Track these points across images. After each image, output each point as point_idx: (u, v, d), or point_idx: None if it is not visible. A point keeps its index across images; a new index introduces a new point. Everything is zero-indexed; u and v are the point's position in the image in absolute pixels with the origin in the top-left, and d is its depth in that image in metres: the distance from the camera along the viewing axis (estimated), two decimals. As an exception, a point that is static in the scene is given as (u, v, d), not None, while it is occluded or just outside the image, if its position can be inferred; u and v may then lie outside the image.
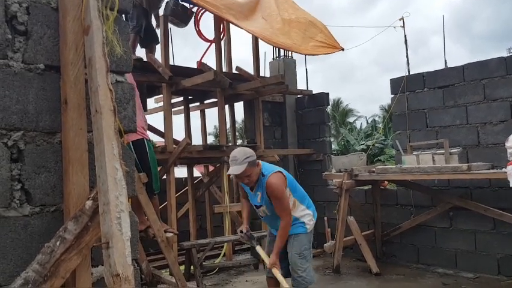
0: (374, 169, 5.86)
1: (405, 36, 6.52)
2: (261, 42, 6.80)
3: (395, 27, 6.67)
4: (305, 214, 3.65)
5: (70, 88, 1.82)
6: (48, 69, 1.88)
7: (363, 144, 22.21)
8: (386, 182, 6.72)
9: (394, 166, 5.93)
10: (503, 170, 4.62)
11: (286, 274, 3.65)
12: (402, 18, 6.40)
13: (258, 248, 3.75)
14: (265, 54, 8.43)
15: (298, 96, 7.81)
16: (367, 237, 6.07)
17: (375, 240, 6.33)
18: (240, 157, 3.36)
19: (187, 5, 6.20)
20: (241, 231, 3.76)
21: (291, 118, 7.82)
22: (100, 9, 1.83)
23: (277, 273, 3.48)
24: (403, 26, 6.45)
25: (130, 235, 1.67)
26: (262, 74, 7.14)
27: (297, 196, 3.64)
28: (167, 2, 6.11)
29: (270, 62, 8.03)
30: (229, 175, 3.49)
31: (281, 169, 3.60)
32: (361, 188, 6.64)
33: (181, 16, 6.15)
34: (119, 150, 1.76)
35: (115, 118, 1.77)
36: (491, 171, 4.93)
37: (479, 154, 5.55)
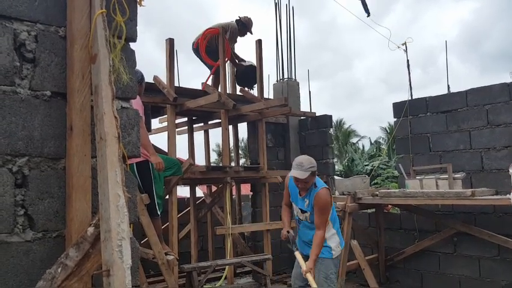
0: (377, 192, 5.83)
1: (407, 61, 6.58)
2: (265, 63, 6.88)
3: (399, 47, 6.74)
4: (333, 237, 3.93)
5: (76, 115, 1.85)
6: (54, 96, 1.91)
7: (367, 165, 22.20)
8: (390, 206, 6.67)
9: (398, 190, 5.90)
10: (507, 196, 4.59)
11: None
12: (405, 43, 6.47)
13: (297, 253, 3.88)
14: (269, 76, 8.55)
15: (302, 118, 7.84)
16: (370, 262, 6.00)
17: (378, 264, 6.25)
18: (306, 164, 3.74)
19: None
20: (288, 232, 3.98)
21: (294, 139, 7.83)
22: (107, 38, 1.87)
23: (312, 279, 3.64)
24: (406, 50, 6.51)
25: (130, 263, 1.67)
26: (265, 95, 7.19)
27: (331, 218, 3.93)
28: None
29: (273, 84, 8.10)
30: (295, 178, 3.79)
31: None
32: (364, 211, 6.60)
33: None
34: (122, 177, 1.77)
35: (119, 145, 1.79)
36: (495, 197, 4.89)
37: (483, 179, 5.53)
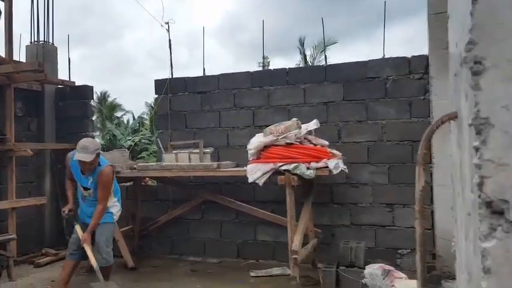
0: (135, 166, 6.01)
1: (169, 40, 6.91)
2: (16, 20, 6.08)
3: (162, 25, 6.96)
4: (114, 205, 4.46)
5: None
6: None
7: (130, 139, 22.16)
8: (147, 179, 6.96)
9: (155, 163, 6.21)
10: (245, 168, 5.43)
11: (82, 258, 4.39)
12: (167, 23, 6.76)
13: (77, 226, 4.33)
14: (20, 36, 7.52)
15: (59, 86, 7.29)
16: (126, 233, 6.15)
17: (134, 235, 6.48)
18: (91, 147, 4.04)
19: None
20: (64, 212, 4.38)
21: (49, 110, 7.23)
22: None
23: (88, 248, 4.16)
24: (168, 30, 6.82)
25: None
26: (16, 58, 6.40)
27: (114, 189, 4.45)
28: None
29: (26, 46, 7.25)
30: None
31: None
32: (123, 184, 6.68)
33: None
34: None
35: None
36: (236, 169, 5.72)
37: (228, 154, 6.36)
